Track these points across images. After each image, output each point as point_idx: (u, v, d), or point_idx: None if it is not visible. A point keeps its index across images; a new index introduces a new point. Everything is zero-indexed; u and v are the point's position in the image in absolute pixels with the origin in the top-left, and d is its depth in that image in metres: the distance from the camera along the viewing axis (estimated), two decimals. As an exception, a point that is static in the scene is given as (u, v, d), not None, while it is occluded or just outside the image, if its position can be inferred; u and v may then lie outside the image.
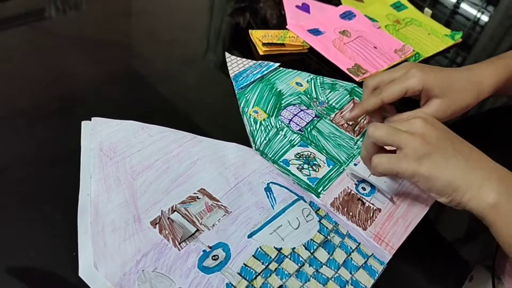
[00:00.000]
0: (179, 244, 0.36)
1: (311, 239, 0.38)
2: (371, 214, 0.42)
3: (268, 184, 0.42)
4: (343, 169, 0.46)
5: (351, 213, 0.42)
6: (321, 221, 0.40)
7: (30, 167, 0.40)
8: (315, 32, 0.65)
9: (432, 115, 0.43)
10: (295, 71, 0.57)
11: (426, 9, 0.79)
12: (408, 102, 0.48)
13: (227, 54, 0.58)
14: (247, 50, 0.61)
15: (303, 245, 0.38)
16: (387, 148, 0.42)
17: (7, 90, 0.46)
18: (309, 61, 0.62)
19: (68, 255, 0.34)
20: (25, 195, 0.37)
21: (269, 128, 0.48)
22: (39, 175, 0.39)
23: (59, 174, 0.39)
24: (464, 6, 0.90)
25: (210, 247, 0.36)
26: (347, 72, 0.60)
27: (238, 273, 0.35)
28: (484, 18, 0.88)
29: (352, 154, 0.48)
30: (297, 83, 0.55)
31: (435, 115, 0.45)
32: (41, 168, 0.40)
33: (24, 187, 0.38)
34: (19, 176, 0.39)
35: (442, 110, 0.45)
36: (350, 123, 0.51)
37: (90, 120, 0.44)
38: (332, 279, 0.36)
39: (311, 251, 0.38)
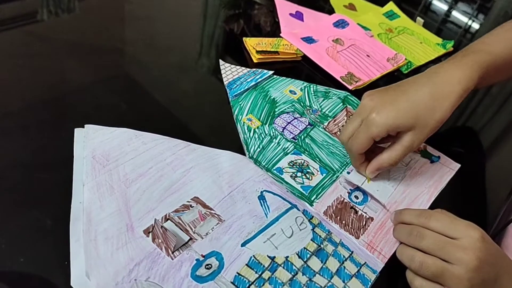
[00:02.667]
0: (172, 253, 0.35)
1: (304, 248, 0.39)
2: (364, 223, 0.42)
3: (261, 192, 0.42)
4: (337, 177, 0.46)
5: (344, 222, 0.42)
6: (314, 230, 0.40)
7: (22, 173, 0.39)
8: (309, 40, 0.66)
9: (409, 148, 0.43)
10: (289, 79, 0.58)
11: (418, 18, 0.80)
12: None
13: (221, 62, 0.58)
14: (241, 58, 0.61)
15: (297, 254, 0.38)
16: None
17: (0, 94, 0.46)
18: (303, 69, 0.62)
19: (60, 264, 0.33)
20: (17, 202, 0.37)
21: (263, 136, 0.48)
22: (32, 181, 0.39)
23: (52, 181, 0.39)
24: (455, 14, 0.91)
25: (203, 256, 0.36)
26: (340, 80, 0.60)
27: (231, 282, 0.35)
28: (475, 26, 0.89)
29: (345, 162, 0.48)
30: (290, 91, 0.56)
31: (412, 145, 0.43)
32: (33, 175, 0.39)
33: (16, 194, 0.38)
34: (11, 182, 0.38)
35: (417, 140, 0.43)
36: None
37: (83, 127, 0.43)
38: (325, 287, 0.36)
39: (305, 260, 0.38)
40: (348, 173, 0.46)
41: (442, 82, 0.43)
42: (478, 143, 0.48)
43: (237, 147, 0.47)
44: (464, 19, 0.90)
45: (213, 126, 0.50)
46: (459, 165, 0.51)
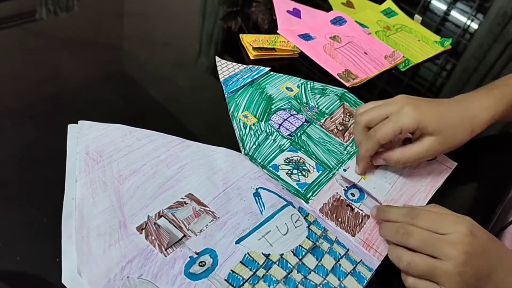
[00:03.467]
0: (166, 250, 0.35)
1: (299, 245, 0.38)
2: (360, 221, 0.42)
3: (257, 189, 0.42)
4: (333, 174, 0.46)
5: (340, 219, 0.42)
6: (309, 227, 0.40)
7: (14, 168, 0.39)
8: (306, 37, 0.65)
9: (425, 152, 0.43)
10: (286, 75, 0.57)
11: (416, 16, 0.80)
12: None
13: (217, 58, 0.57)
14: (238, 55, 0.60)
15: (292, 251, 0.38)
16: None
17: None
18: (300, 66, 0.62)
19: (51, 261, 0.33)
20: (8, 197, 0.37)
21: (259, 133, 0.48)
22: (24, 177, 0.38)
23: (44, 177, 0.39)
24: (454, 13, 0.91)
25: (197, 253, 0.35)
26: (337, 77, 0.60)
27: (225, 280, 0.34)
28: (474, 25, 0.89)
29: (341, 160, 0.48)
30: (287, 88, 0.55)
31: (428, 152, 0.43)
32: (26, 170, 0.39)
33: (8, 189, 0.37)
34: (3, 177, 0.38)
35: (435, 148, 0.44)
36: (340, 128, 0.51)
37: (77, 123, 0.43)
38: (321, 285, 0.36)
39: (300, 257, 0.37)
40: (345, 170, 0.46)
41: (471, 108, 0.46)
42: (475, 141, 0.48)
43: (233, 143, 0.47)
44: (463, 18, 0.90)
45: (209, 123, 0.50)
46: (456, 163, 0.50)
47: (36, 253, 0.34)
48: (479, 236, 0.36)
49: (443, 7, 0.92)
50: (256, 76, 0.55)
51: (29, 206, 0.36)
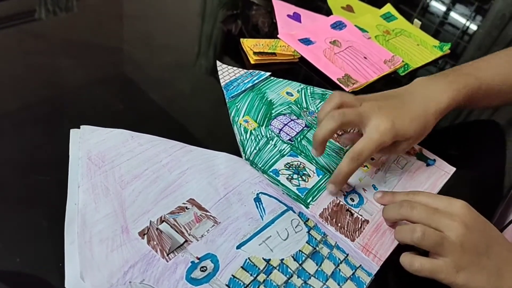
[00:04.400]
0: (167, 255, 0.35)
1: (299, 250, 0.39)
2: (359, 226, 0.42)
3: (257, 194, 0.42)
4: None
5: (339, 224, 0.42)
6: (309, 232, 0.40)
7: (16, 173, 0.39)
8: (306, 41, 0.66)
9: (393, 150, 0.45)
10: (286, 80, 0.58)
11: (416, 20, 0.80)
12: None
13: (218, 63, 0.58)
14: (239, 59, 0.61)
15: (292, 256, 0.38)
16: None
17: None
18: (300, 70, 0.62)
19: (54, 266, 0.33)
20: (11, 202, 0.37)
21: (259, 138, 0.48)
22: (26, 182, 0.39)
23: (47, 182, 0.39)
24: (453, 15, 0.92)
25: (198, 258, 0.36)
26: (337, 82, 0.60)
27: (226, 285, 0.35)
28: (473, 27, 0.90)
29: (341, 165, 0.48)
30: (287, 93, 0.56)
31: (396, 151, 0.46)
32: (28, 175, 0.39)
33: (10, 194, 0.38)
34: (5, 182, 0.38)
35: (403, 147, 0.46)
36: (340, 133, 0.52)
37: (79, 127, 0.43)
38: (320, 290, 0.36)
39: (300, 262, 0.38)
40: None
41: (431, 98, 0.47)
42: (473, 146, 0.48)
43: (234, 148, 0.47)
44: (462, 20, 0.90)
45: (210, 128, 0.50)
46: (454, 169, 0.51)
47: (39, 258, 0.34)
48: (476, 213, 0.39)
49: (442, 9, 0.93)
50: (256, 81, 0.55)
51: (32, 211, 0.37)
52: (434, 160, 0.51)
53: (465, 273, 0.36)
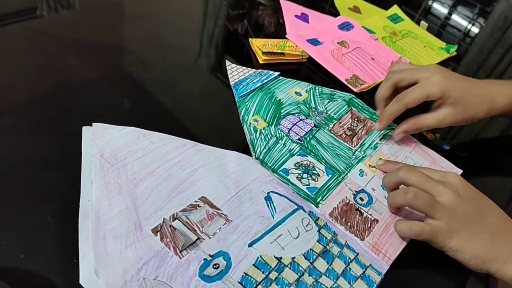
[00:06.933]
0: (180, 252, 0.36)
1: (310, 249, 0.39)
2: (369, 225, 0.43)
3: (268, 193, 0.42)
4: (342, 178, 0.47)
5: (349, 223, 0.42)
6: (320, 231, 0.41)
7: (29, 171, 0.39)
8: (314, 42, 0.66)
9: (439, 120, 0.48)
10: (295, 80, 0.58)
11: (422, 22, 0.80)
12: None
13: (227, 62, 0.58)
14: (247, 59, 0.61)
15: (303, 255, 0.38)
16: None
17: (6, 91, 0.46)
18: (308, 70, 0.63)
19: (68, 262, 0.34)
20: (25, 200, 0.37)
21: (269, 137, 0.49)
22: (40, 180, 0.39)
23: (60, 179, 0.39)
24: (455, 17, 0.92)
25: (211, 256, 0.36)
26: (345, 82, 0.60)
27: (238, 282, 0.35)
28: (475, 30, 0.90)
29: (350, 164, 0.48)
30: (296, 93, 0.56)
31: (443, 120, 0.48)
32: (41, 173, 0.39)
33: (24, 192, 0.38)
34: (19, 180, 0.39)
35: (451, 118, 0.48)
36: (349, 133, 0.52)
37: (91, 125, 0.44)
38: (331, 289, 0.37)
39: (311, 261, 0.38)
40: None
41: (493, 90, 0.50)
42: (479, 148, 0.49)
43: (243, 147, 0.47)
44: (464, 22, 0.91)
45: (220, 126, 0.51)
46: (461, 171, 0.51)
47: (54, 254, 0.34)
48: (468, 184, 0.42)
49: (445, 11, 0.93)
50: (265, 81, 0.56)
51: (45, 208, 0.37)
52: (450, 145, 0.54)
53: (458, 238, 0.38)
